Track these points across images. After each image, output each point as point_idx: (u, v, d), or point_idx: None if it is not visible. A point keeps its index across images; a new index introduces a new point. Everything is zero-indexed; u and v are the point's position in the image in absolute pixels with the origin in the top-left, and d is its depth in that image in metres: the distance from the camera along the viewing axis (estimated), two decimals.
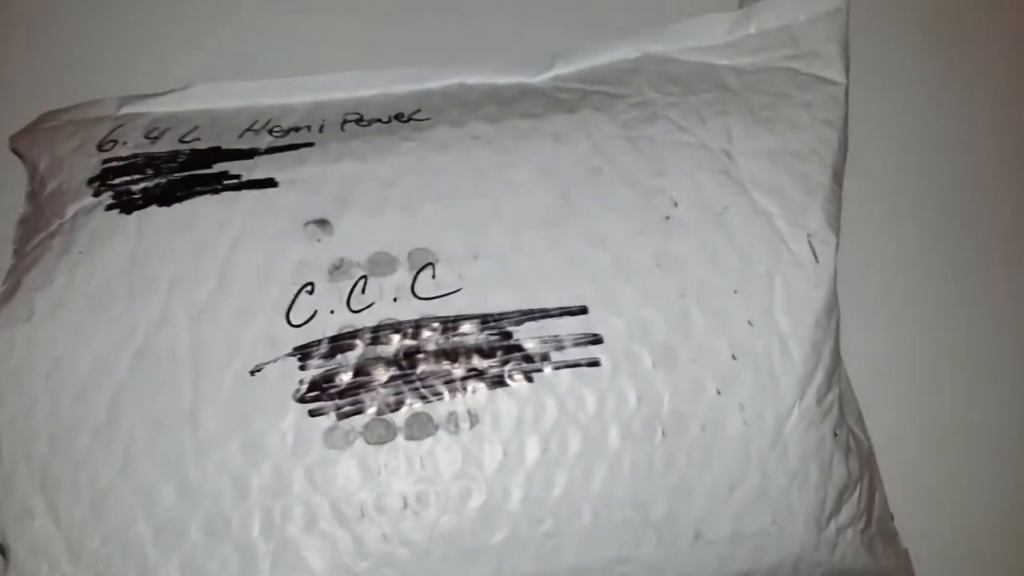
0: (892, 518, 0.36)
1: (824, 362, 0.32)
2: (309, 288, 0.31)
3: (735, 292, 0.31)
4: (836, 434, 0.32)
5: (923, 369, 0.42)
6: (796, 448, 0.31)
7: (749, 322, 0.31)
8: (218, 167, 0.33)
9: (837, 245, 0.32)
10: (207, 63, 0.41)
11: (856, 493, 0.33)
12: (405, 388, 0.30)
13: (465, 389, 0.30)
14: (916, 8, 0.45)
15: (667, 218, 0.32)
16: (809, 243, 0.32)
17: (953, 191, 0.44)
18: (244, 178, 0.33)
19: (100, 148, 0.34)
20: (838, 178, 0.34)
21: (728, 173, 0.33)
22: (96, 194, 0.33)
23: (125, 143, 0.35)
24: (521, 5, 0.43)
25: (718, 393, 0.31)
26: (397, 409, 0.30)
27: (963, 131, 0.45)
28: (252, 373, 0.30)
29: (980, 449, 0.42)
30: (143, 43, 0.42)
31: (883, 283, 0.43)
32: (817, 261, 0.32)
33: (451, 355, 0.31)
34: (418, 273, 0.31)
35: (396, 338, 0.31)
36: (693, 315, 0.31)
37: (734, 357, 0.31)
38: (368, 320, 0.31)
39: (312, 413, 0.30)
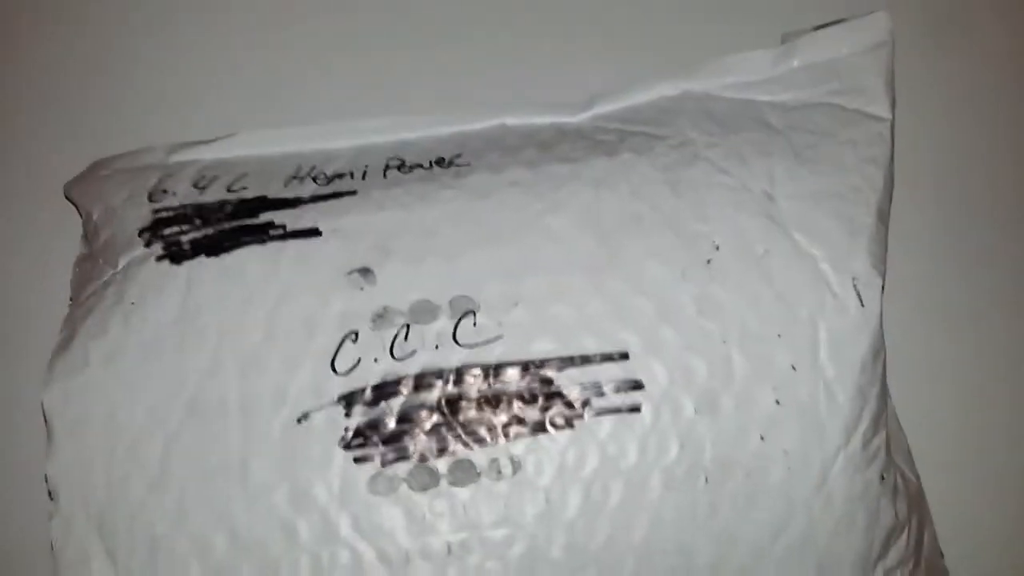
0: (942, 555, 0.35)
1: (870, 406, 0.31)
2: (353, 337, 0.31)
3: (778, 337, 0.31)
4: (883, 477, 0.32)
5: (968, 399, 0.41)
6: (841, 494, 0.31)
7: (793, 367, 0.31)
8: (264, 216, 0.34)
9: (883, 287, 0.32)
10: (253, 109, 0.42)
11: (904, 535, 0.32)
12: (448, 435, 0.31)
13: (507, 436, 0.31)
14: (922, 10, 0.44)
15: (708, 262, 0.32)
16: (855, 287, 0.32)
17: (959, 193, 0.43)
18: (289, 228, 0.33)
19: (151, 198, 0.35)
20: (883, 217, 0.33)
21: (770, 216, 0.32)
22: (147, 244, 0.34)
23: (174, 193, 0.35)
24: (561, 44, 0.43)
25: (762, 439, 0.30)
26: (440, 456, 0.30)
27: (976, 134, 0.43)
28: (299, 421, 0.31)
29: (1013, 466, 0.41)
30: (192, 88, 0.43)
31: (906, 307, 0.42)
32: (863, 305, 0.31)
33: (493, 402, 0.31)
34: (459, 320, 0.31)
35: (439, 385, 0.31)
36: (735, 361, 0.31)
37: (778, 403, 0.31)
38: (411, 368, 0.31)
39: (357, 460, 0.30)
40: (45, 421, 0.32)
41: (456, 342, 0.31)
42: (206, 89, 0.43)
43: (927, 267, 0.42)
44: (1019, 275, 0.43)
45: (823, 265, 0.32)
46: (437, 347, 0.31)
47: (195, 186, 0.36)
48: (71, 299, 0.36)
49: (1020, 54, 0.44)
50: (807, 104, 0.35)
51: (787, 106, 0.35)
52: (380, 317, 0.32)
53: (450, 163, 0.35)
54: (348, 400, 0.31)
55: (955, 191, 0.43)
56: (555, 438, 0.31)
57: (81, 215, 0.38)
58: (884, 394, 0.32)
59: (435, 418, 0.31)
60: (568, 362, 0.31)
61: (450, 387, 0.31)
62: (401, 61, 0.43)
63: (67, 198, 0.39)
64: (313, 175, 0.35)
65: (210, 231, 0.34)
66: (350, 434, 0.31)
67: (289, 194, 0.34)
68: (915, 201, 0.42)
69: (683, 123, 0.35)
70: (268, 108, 0.42)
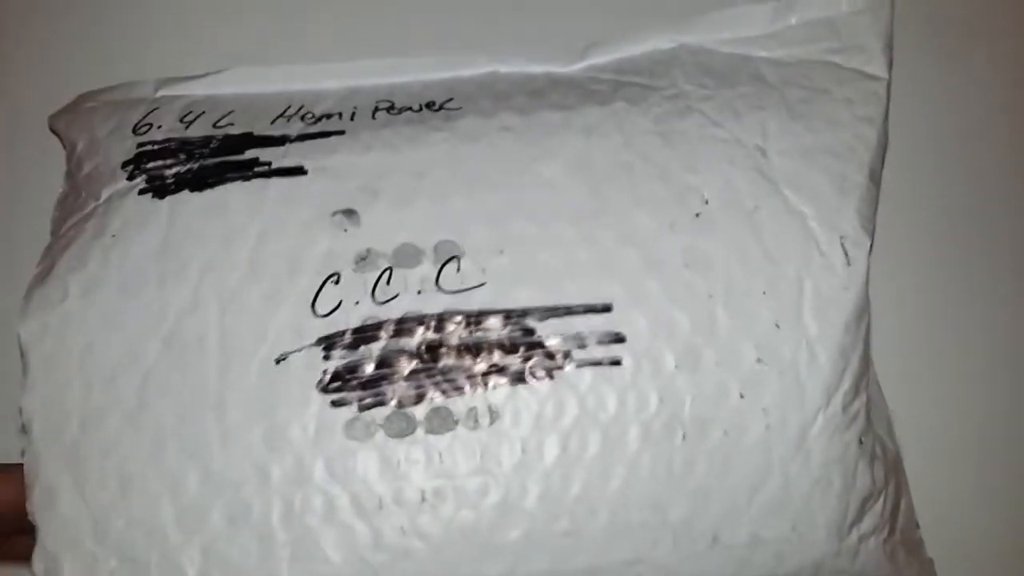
0: (918, 527, 0.35)
1: (852, 368, 0.31)
2: (335, 278, 0.31)
3: (763, 294, 0.31)
4: (862, 441, 0.31)
5: (952, 371, 0.41)
6: (819, 455, 0.31)
7: (776, 325, 0.31)
8: (249, 153, 0.33)
9: (871, 247, 0.32)
10: (244, 45, 0.41)
11: (880, 501, 0.32)
12: (427, 382, 0.30)
13: (486, 385, 0.30)
14: (924, 10, 0.43)
15: (697, 215, 0.31)
16: (842, 245, 0.31)
17: (957, 192, 0.43)
18: (274, 165, 0.33)
19: (135, 131, 0.35)
20: (875, 177, 0.33)
21: (761, 171, 0.32)
22: (130, 177, 0.33)
23: (160, 127, 0.35)
24: None
25: (741, 397, 0.30)
26: (418, 403, 0.30)
27: (975, 132, 0.43)
28: (277, 362, 0.30)
29: (1010, 455, 0.41)
30: (182, 23, 0.43)
31: (899, 285, 0.41)
32: (849, 264, 0.31)
33: (473, 350, 0.30)
34: (443, 266, 0.31)
35: (419, 331, 0.31)
36: (719, 316, 0.30)
37: (759, 360, 0.30)
38: (392, 312, 0.31)
39: (335, 404, 0.30)
40: (22, 355, 0.32)
41: (439, 287, 0.31)
42: (197, 24, 0.43)
43: (925, 247, 0.42)
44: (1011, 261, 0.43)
45: (812, 223, 0.31)
46: (419, 292, 0.31)
47: (181, 121, 0.35)
48: (52, 234, 0.36)
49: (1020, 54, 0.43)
50: (803, 61, 0.35)
51: (783, 62, 0.35)
52: (363, 259, 0.31)
53: (440, 107, 0.35)
54: (328, 343, 0.31)
55: (956, 178, 0.43)
56: (535, 389, 0.30)
57: (65, 147, 0.37)
58: (867, 358, 0.32)
59: (414, 364, 0.30)
60: (551, 312, 0.31)
61: (431, 333, 0.31)
62: (395, 4, 0.42)
63: (52, 130, 0.38)
64: (301, 114, 0.35)
65: (194, 166, 0.33)
66: (328, 377, 0.30)
67: (276, 132, 0.34)
68: (915, 182, 0.42)
69: (677, 75, 0.34)
70: (258, 46, 0.41)
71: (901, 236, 0.41)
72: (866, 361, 0.32)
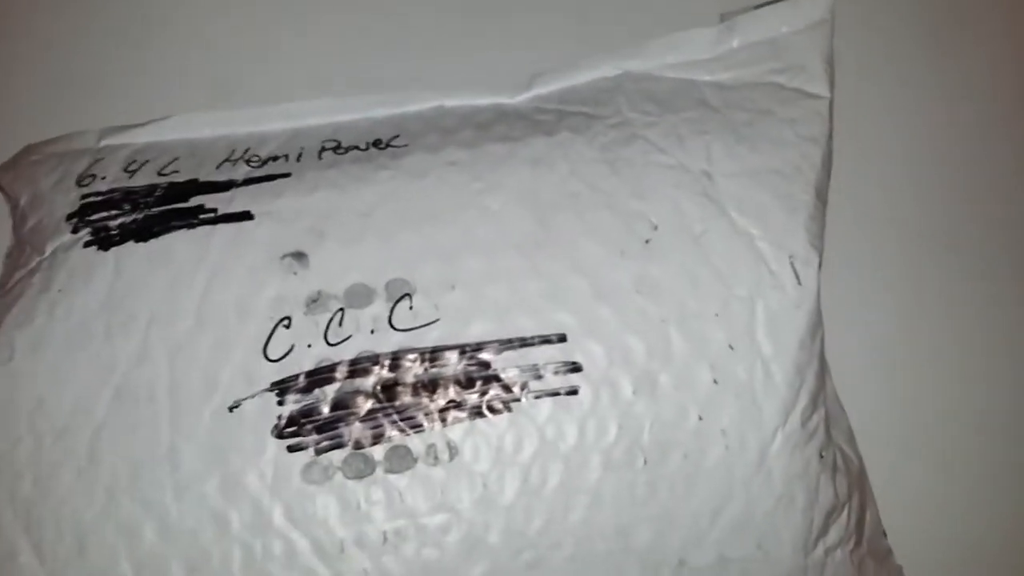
0: (885, 535, 0.36)
1: (808, 384, 0.31)
2: (286, 322, 0.31)
3: (716, 316, 0.31)
4: (822, 456, 0.31)
5: (910, 379, 0.41)
6: (781, 472, 0.31)
7: (730, 346, 0.31)
8: (195, 200, 0.33)
9: (820, 264, 0.32)
10: (187, 93, 0.41)
11: (845, 514, 0.32)
12: (384, 421, 0.30)
13: (444, 421, 0.30)
14: (917, 10, 0.44)
15: (647, 242, 0.32)
16: (791, 265, 0.31)
17: (948, 196, 0.43)
18: (220, 211, 0.32)
19: (79, 183, 0.35)
20: (821, 195, 0.33)
21: (708, 194, 0.32)
22: (75, 230, 0.33)
23: (104, 177, 0.35)
24: (501, 24, 0.42)
25: (700, 419, 0.30)
26: (376, 442, 0.30)
27: (963, 134, 0.44)
28: (231, 409, 0.30)
29: (973, 459, 0.41)
30: (125, 73, 0.42)
31: (877, 290, 0.42)
32: (799, 283, 0.31)
33: (430, 387, 0.30)
34: (395, 304, 0.31)
35: (375, 370, 0.30)
36: (674, 340, 0.31)
37: (716, 382, 0.30)
38: (346, 353, 0.31)
39: (291, 448, 0.30)
40: None
41: (392, 326, 0.31)
42: (140, 73, 0.42)
43: (876, 255, 0.42)
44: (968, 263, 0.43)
45: (760, 243, 0.32)
46: (372, 331, 0.31)
47: (125, 170, 0.35)
48: None
49: (1020, 53, 0.44)
50: (747, 83, 0.35)
51: (726, 85, 0.35)
52: (314, 302, 0.31)
53: (387, 144, 0.35)
54: (281, 387, 0.30)
55: (942, 194, 0.43)
56: (493, 422, 0.30)
57: (9, 202, 0.37)
58: (823, 372, 0.32)
59: (370, 404, 0.30)
60: (506, 345, 0.31)
61: (386, 372, 0.30)
62: (338, 43, 0.42)
63: None
64: (247, 158, 0.35)
65: (139, 216, 0.33)
66: (283, 422, 0.30)
67: (221, 177, 0.34)
68: (901, 206, 0.42)
69: (622, 103, 0.35)
70: (202, 92, 0.41)
71: (891, 238, 0.42)
72: (822, 376, 0.32)
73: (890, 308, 0.42)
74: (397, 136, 0.35)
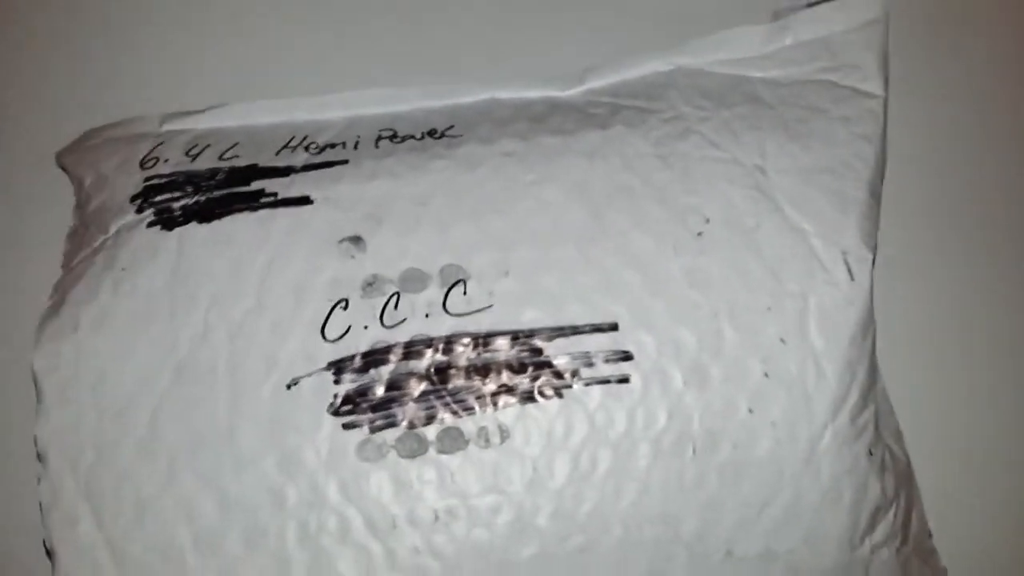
0: (931, 536, 0.36)
1: (859, 380, 0.31)
2: (343, 304, 0.31)
3: (768, 310, 0.31)
4: (871, 453, 0.32)
5: (960, 379, 0.41)
6: (829, 467, 0.31)
7: (782, 340, 0.31)
8: (256, 184, 0.34)
9: (873, 262, 0.32)
10: (246, 79, 0.42)
11: (892, 512, 0.32)
12: (436, 403, 0.31)
13: (496, 404, 0.31)
14: (923, 9, 0.44)
15: (699, 235, 0.32)
16: (845, 261, 0.32)
17: (956, 191, 0.43)
18: (280, 196, 0.33)
19: (142, 166, 0.35)
20: (875, 193, 0.33)
21: (761, 189, 0.32)
22: (139, 211, 0.34)
23: (166, 160, 0.35)
24: (553, 19, 0.43)
25: (750, 411, 0.31)
26: (429, 423, 0.30)
27: (968, 131, 0.43)
28: (288, 387, 0.31)
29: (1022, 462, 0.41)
30: (185, 61, 0.43)
31: (900, 290, 0.42)
32: (852, 279, 0.31)
33: (482, 371, 0.31)
34: (449, 290, 0.31)
35: (428, 353, 0.31)
36: (725, 333, 0.31)
37: (766, 375, 0.31)
38: (401, 336, 0.31)
39: (346, 427, 0.30)
40: (35, 385, 0.32)
41: (446, 311, 0.31)
42: (200, 59, 0.43)
43: (929, 255, 0.42)
44: (1016, 265, 0.43)
45: (813, 240, 0.32)
46: (427, 315, 0.31)
47: (187, 154, 0.35)
48: (62, 267, 0.36)
49: (1020, 52, 0.44)
50: (799, 80, 0.35)
51: (779, 82, 0.35)
52: (370, 285, 0.32)
53: (442, 134, 0.35)
54: (338, 367, 0.31)
55: (955, 181, 0.43)
56: (544, 407, 0.31)
57: (73, 183, 0.38)
58: (873, 370, 0.32)
59: (424, 386, 0.31)
60: (557, 332, 0.31)
61: (439, 355, 0.31)
62: (394, 34, 0.43)
63: (59, 166, 0.39)
64: (305, 144, 0.35)
65: (201, 198, 0.33)
66: (339, 400, 0.31)
67: (281, 163, 0.34)
68: (915, 190, 0.42)
69: (675, 97, 0.35)
70: (261, 79, 0.42)
71: (902, 239, 0.42)
72: (873, 373, 0.32)
73: (942, 307, 0.42)
74: (452, 126, 0.35)
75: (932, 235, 0.42)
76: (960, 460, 0.41)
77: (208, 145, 0.36)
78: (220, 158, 0.35)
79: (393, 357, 0.31)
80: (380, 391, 0.31)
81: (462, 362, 0.31)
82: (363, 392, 0.31)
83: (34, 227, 0.42)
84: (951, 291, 0.42)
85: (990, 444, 0.41)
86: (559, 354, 0.31)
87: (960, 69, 0.43)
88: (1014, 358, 0.42)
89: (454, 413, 0.31)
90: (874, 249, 0.32)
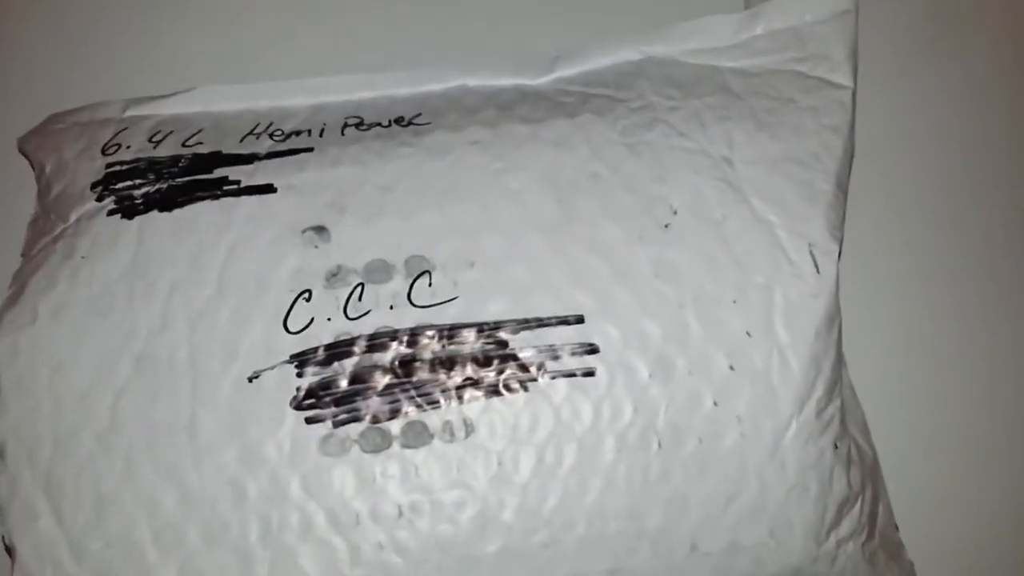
0: (897, 529, 0.36)
1: (824, 374, 0.31)
2: (306, 295, 0.31)
3: (734, 303, 0.31)
4: (837, 446, 0.32)
5: (927, 374, 0.41)
6: (794, 461, 0.31)
7: (748, 333, 0.31)
8: (219, 172, 0.33)
9: (839, 254, 0.32)
10: (210, 65, 0.41)
11: (858, 505, 0.32)
12: (401, 396, 0.30)
13: (461, 398, 0.30)
14: (921, 7, 0.44)
15: (666, 226, 0.32)
16: (811, 253, 0.31)
17: (958, 191, 0.43)
18: (243, 183, 0.33)
19: (104, 152, 0.35)
20: (842, 185, 0.33)
21: (728, 180, 0.32)
22: (99, 199, 0.33)
23: (129, 147, 0.35)
24: (523, 6, 0.42)
25: (715, 405, 0.30)
26: (393, 417, 0.30)
27: (968, 131, 0.43)
28: (250, 380, 0.30)
29: (987, 456, 0.41)
30: (149, 45, 0.43)
31: (886, 285, 0.42)
32: (818, 272, 0.31)
33: (447, 363, 0.30)
34: (414, 281, 0.31)
35: (392, 346, 0.31)
36: (691, 326, 0.31)
37: (732, 368, 0.31)
38: (365, 328, 0.31)
39: (309, 421, 0.30)
40: None
41: (411, 302, 0.31)
42: (164, 45, 0.43)
43: (932, 269, 0.42)
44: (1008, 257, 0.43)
45: (779, 231, 0.32)
46: (391, 307, 0.31)
47: (150, 140, 0.35)
48: (22, 256, 0.36)
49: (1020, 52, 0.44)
50: (769, 70, 0.35)
51: (749, 72, 0.35)
52: (334, 276, 0.31)
53: (409, 122, 0.35)
54: (300, 359, 0.30)
55: (953, 189, 0.43)
56: (509, 401, 0.30)
57: (35, 169, 0.37)
58: (839, 363, 0.32)
59: (388, 379, 0.30)
60: (523, 324, 0.31)
61: (404, 348, 0.31)
62: (362, 19, 0.42)
63: (21, 151, 0.38)
64: (270, 132, 0.35)
65: (163, 186, 0.33)
66: (302, 394, 0.30)
67: (245, 150, 0.34)
68: (913, 200, 0.42)
69: (644, 86, 0.35)
70: (225, 65, 0.41)
71: (894, 236, 0.42)
72: (838, 367, 0.32)
73: (905, 301, 0.42)
74: (419, 114, 0.35)
75: (898, 227, 0.42)
76: (928, 454, 0.41)
77: (172, 131, 0.35)
78: (183, 144, 0.35)
79: (357, 350, 0.31)
80: (343, 384, 0.30)
81: (427, 355, 0.31)
82: (326, 385, 0.30)
83: None
84: (942, 283, 0.42)
85: (958, 437, 0.41)
86: (525, 347, 0.31)
87: (958, 69, 0.43)
88: (983, 350, 0.42)
89: (419, 407, 0.30)
90: (840, 241, 0.32)
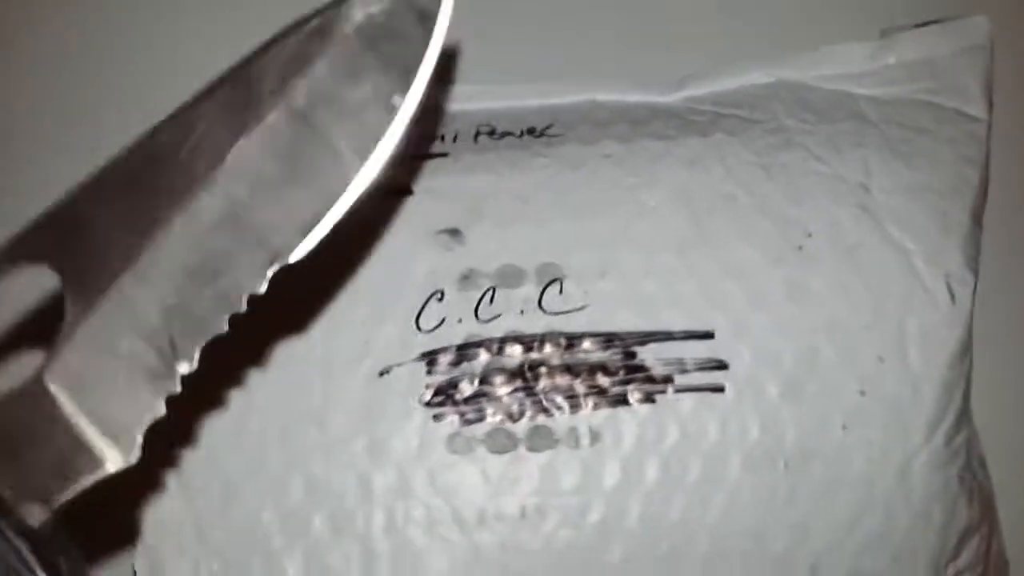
0: (1008, 565, 0.35)
1: (955, 403, 0.31)
2: (439, 296, 0.32)
3: (867, 328, 0.31)
4: (962, 477, 0.31)
5: None
6: (922, 489, 0.31)
7: (880, 359, 0.31)
8: None
9: (975, 286, 0.32)
10: None
11: (976, 538, 0.32)
12: (528, 400, 0.31)
13: (586, 405, 0.31)
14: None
15: (800, 249, 0.32)
16: (947, 283, 0.31)
17: None
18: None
19: None
20: (977, 217, 0.33)
21: (864, 207, 0.32)
22: None
23: None
24: (650, 29, 0.42)
25: (844, 428, 0.30)
26: (519, 420, 0.30)
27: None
28: (381, 375, 0.31)
29: None
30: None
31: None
32: (954, 302, 0.31)
33: (574, 371, 0.31)
34: (546, 287, 0.31)
35: (521, 350, 0.31)
36: (822, 349, 0.31)
37: (862, 393, 0.30)
38: (495, 331, 0.31)
39: (436, 418, 0.31)
40: None
41: (541, 308, 0.31)
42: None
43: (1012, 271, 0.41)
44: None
45: (916, 260, 0.32)
46: (522, 312, 0.31)
47: None
48: None
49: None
50: (903, 100, 0.35)
51: (883, 100, 0.35)
52: (466, 279, 0.32)
53: (541, 133, 0.35)
54: (431, 358, 0.31)
55: None
56: (635, 411, 0.30)
57: None
58: (969, 393, 0.32)
59: (516, 383, 0.31)
60: (652, 337, 0.31)
61: (532, 353, 0.31)
62: (488, 30, 0.43)
63: None
64: None
65: None
66: (431, 391, 0.31)
67: None
68: None
69: (777, 109, 0.35)
70: None
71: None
72: (968, 396, 0.32)
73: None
74: (551, 126, 0.36)
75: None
76: None
77: None
78: None
79: (486, 352, 0.31)
80: (472, 385, 0.31)
81: (555, 361, 0.31)
82: (454, 384, 0.31)
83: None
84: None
85: None
86: (653, 359, 0.31)
87: None
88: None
89: (545, 412, 0.31)
90: (976, 274, 0.32)
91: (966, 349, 0.31)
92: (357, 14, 0.21)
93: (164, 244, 0.21)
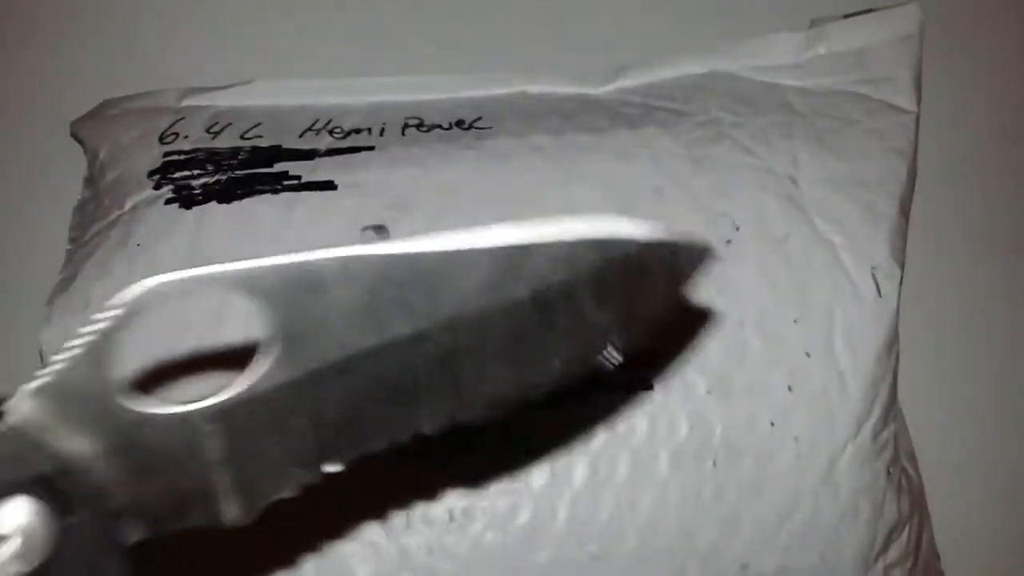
0: (939, 558, 0.35)
1: (882, 398, 0.31)
2: None
3: (794, 322, 0.31)
4: (890, 472, 0.31)
5: (973, 403, 0.41)
6: (848, 484, 0.30)
7: (807, 354, 0.31)
8: (279, 166, 0.33)
9: (901, 279, 0.32)
10: (267, 59, 0.41)
11: (905, 532, 0.32)
12: None
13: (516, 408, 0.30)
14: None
15: (728, 243, 0.31)
16: (873, 276, 0.31)
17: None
18: (304, 179, 0.32)
19: (162, 140, 0.35)
20: (905, 210, 0.33)
21: (792, 199, 0.32)
22: (156, 187, 0.33)
23: (186, 136, 0.35)
24: (585, 17, 0.42)
25: (772, 425, 0.30)
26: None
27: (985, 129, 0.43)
28: None
29: None
30: (205, 35, 0.42)
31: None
32: (880, 295, 0.31)
33: None
34: None
35: None
36: (750, 344, 0.30)
37: (790, 389, 0.30)
38: None
39: None
40: (41, 361, 0.31)
41: None
42: (221, 35, 0.42)
43: (938, 266, 0.41)
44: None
45: (843, 252, 0.31)
46: None
47: (208, 131, 0.35)
48: (71, 240, 0.36)
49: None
50: (832, 91, 0.35)
51: (812, 91, 0.35)
52: None
53: (470, 125, 0.34)
54: None
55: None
56: (563, 412, 0.30)
57: (87, 154, 0.37)
58: (895, 388, 0.32)
59: None
60: None
61: None
62: (420, 22, 0.42)
63: (73, 136, 0.38)
64: (329, 128, 0.35)
65: (222, 177, 0.33)
66: None
67: (305, 145, 0.34)
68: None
69: (709, 101, 0.35)
70: (283, 59, 0.41)
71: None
72: (894, 391, 0.32)
73: (953, 320, 0.41)
74: (480, 118, 0.35)
75: (951, 252, 0.42)
76: (969, 479, 0.40)
77: (230, 123, 0.35)
78: (242, 137, 0.34)
79: None
80: None
81: None
82: None
83: (44, 195, 0.41)
84: (951, 283, 0.42)
85: (998, 464, 0.41)
86: None
87: (967, 69, 0.43)
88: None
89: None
90: (902, 265, 0.32)
91: (892, 343, 0.31)
92: None
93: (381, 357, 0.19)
